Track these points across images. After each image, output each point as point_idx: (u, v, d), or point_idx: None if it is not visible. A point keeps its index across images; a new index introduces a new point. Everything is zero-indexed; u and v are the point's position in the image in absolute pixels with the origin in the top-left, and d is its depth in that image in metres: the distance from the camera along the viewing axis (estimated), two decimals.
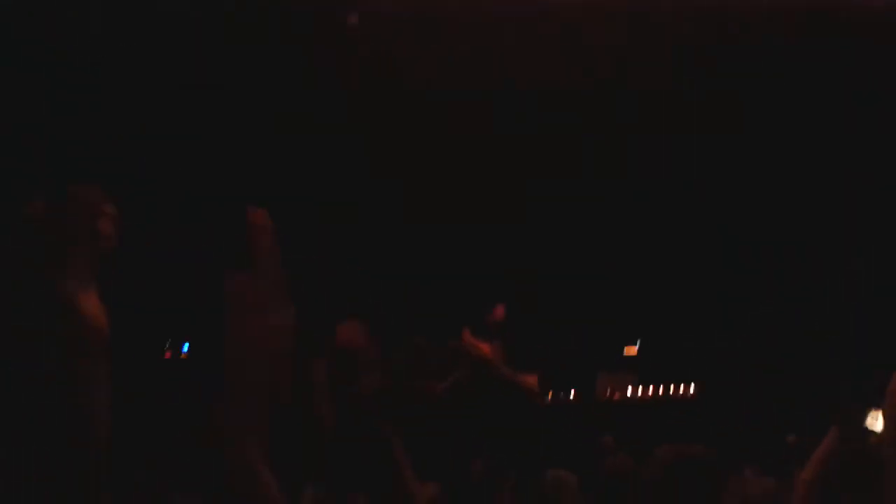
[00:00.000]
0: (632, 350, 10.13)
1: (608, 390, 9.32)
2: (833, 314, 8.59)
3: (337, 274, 8.52)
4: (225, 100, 7.82)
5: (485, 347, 5.85)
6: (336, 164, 8.61)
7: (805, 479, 1.99)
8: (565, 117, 8.65)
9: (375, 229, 8.90)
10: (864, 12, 7.86)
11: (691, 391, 9.39)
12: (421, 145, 8.72)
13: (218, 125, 7.87)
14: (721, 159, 8.99)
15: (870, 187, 8.75)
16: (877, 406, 2.19)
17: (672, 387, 9.40)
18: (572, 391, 9.28)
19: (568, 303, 9.48)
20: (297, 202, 8.47)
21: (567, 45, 8.01)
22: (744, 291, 9.44)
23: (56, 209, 1.32)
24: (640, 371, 9.59)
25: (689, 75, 8.42)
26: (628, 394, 9.32)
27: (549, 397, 9.08)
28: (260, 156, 8.18)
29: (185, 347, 8.10)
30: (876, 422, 2.16)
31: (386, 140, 8.64)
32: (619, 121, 8.65)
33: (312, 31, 7.76)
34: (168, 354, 8.46)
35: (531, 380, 8.13)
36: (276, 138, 8.28)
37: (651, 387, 9.36)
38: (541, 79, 8.43)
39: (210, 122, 7.83)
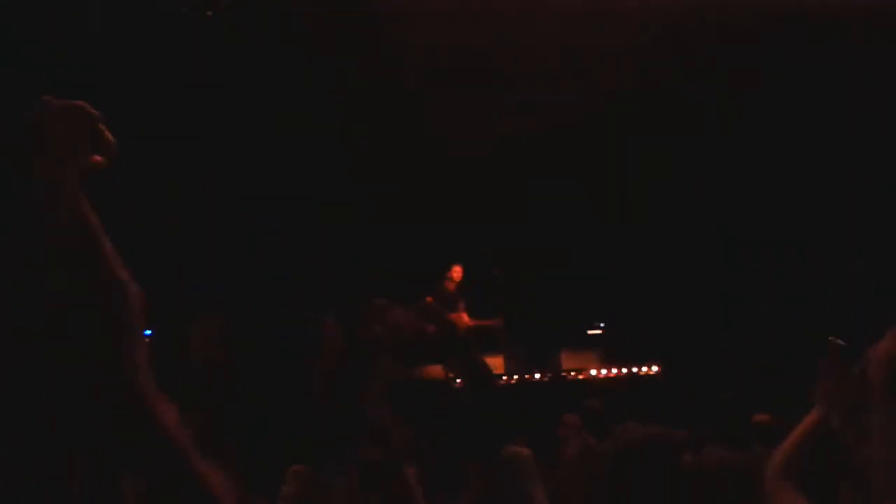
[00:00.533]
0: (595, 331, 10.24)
1: (571, 369, 9.33)
2: (833, 314, 8.60)
3: (337, 274, 8.52)
4: (224, 100, 7.81)
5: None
6: (335, 165, 8.61)
7: (779, 457, 1.99)
8: (564, 117, 8.65)
9: (375, 229, 8.91)
10: (864, 12, 7.86)
11: (655, 370, 9.42)
12: (418, 145, 8.73)
13: (218, 125, 7.87)
14: (721, 159, 8.99)
15: (870, 187, 8.75)
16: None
17: (637, 367, 9.43)
18: (536, 370, 9.29)
19: (562, 302, 9.49)
20: (296, 202, 8.49)
21: (565, 45, 8.02)
22: (744, 291, 9.44)
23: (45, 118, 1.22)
24: (605, 350, 9.64)
25: (688, 75, 8.42)
26: (592, 372, 9.33)
27: (515, 377, 9.10)
28: (260, 156, 8.18)
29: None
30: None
31: (385, 140, 8.64)
32: (618, 120, 8.65)
33: (312, 31, 7.76)
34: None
35: (494, 362, 8.17)
36: (275, 138, 8.28)
37: (616, 367, 9.39)
38: (539, 78, 8.43)
39: (210, 123, 7.83)
